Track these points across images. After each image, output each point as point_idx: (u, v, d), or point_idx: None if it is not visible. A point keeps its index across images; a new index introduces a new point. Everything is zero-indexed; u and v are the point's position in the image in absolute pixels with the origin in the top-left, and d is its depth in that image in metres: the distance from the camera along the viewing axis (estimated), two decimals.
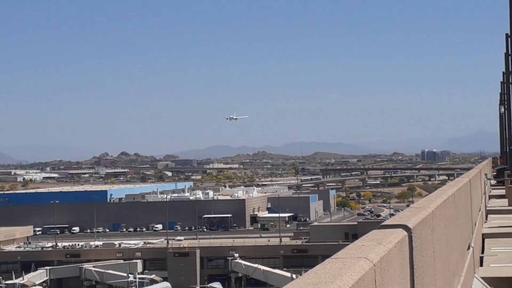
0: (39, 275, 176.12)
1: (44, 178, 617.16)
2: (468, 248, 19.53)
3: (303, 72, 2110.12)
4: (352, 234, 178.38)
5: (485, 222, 32.09)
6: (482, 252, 24.16)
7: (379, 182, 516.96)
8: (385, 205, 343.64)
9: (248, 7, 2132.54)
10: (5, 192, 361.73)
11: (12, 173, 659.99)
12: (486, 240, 26.69)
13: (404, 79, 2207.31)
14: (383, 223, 8.93)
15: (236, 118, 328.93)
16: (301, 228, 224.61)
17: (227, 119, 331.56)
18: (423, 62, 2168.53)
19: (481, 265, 22.09)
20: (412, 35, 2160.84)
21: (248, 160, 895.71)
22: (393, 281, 7.19)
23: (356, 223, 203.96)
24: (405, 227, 8.71)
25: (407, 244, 8.53)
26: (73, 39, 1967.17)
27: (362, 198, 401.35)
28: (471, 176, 24.67)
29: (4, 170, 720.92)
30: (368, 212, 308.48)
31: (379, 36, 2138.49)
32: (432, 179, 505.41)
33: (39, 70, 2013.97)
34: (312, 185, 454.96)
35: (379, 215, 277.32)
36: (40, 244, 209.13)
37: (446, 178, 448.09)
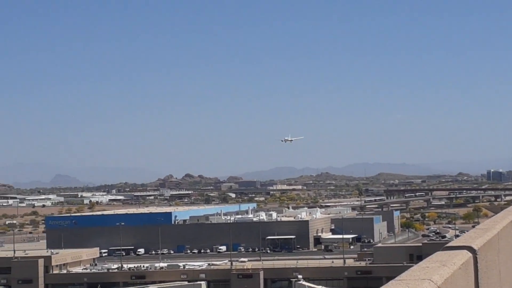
0: None
1: (110, 200, 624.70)
2: None
3: (367, 92, 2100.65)
4: (416, 255, 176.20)
5: None
6: None
7: (444, 203, 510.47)
8: (450, 226, 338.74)
9: (311, 32, 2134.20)
10: (72, 214, 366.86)
11: (79, 196, 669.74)
12: None
13: (469, 99, 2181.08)
14: (448, 245, 8.92)
15: (292, 140, 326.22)
16: (365, 249, 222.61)
17: (282, 141, 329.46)
18: (488, 80, 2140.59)
19: None
20: (475, 56, 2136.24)
21: (311, 181, 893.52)
22: None
23: (420, 244, 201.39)
24: (470, 249, 8.68)
25: (472, 266, 8.51)
26: (130, 60, 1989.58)
27: (426, 219, 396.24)
28: None
29: (71, 193, 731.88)
30: (433, 233, 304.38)
31: (441, 57, 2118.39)
32: (498, 200, 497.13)
33: (102, 94, 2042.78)
34: (376, 206, 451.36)
35: (444, 236, 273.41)
36: (106, 265, 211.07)
37: None
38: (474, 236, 10.10)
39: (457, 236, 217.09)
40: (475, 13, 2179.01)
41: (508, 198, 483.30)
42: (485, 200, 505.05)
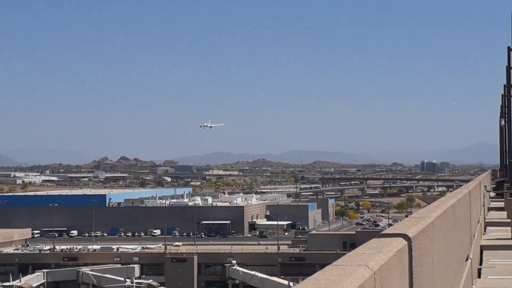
0: (36, 278, 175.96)
1: (43, 181, 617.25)
2: (467, 260, 19.55)
3: (304, 80, 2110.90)
4: (350, 243, 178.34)
5: (484, 234, 32.11)
6: (480, 264, 24.17)
7: (378, 192, 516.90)
8: (383, 215, 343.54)
9: (254, 15, 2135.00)
10: (4, 194, 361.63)
11: (12, 176, 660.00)
12: (484, 252, 26.71)
13: (404, 90, 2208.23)
14: (383, 232, 8.97)
15: (211, 126, 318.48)
16: (299, 236, 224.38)
17: (201, 126, 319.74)
18: (424, 73, 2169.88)
19: (479, 276, 22.10)
20: (412, 47, 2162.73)
21: (247, 168, 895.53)
22: None
23: (354, 232, 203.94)
24: (405, 237, 8.75)
25: (407, 254, 8.57)
26: (75, 42, 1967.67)
27: (360, 207, 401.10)
28: (471, 188, 24.71)
29: (3, 172, 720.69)
30: (367, 222, 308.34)
31: (379, 48, 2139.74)
32: (431, 190, 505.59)
33: (40, 73, 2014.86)
34: (311, 193, 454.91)
35: (377, 225, 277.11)
36: (38, 247, 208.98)
37: (445, 189, 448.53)
38: (409, 224, 10.19)
39: (390, 225, 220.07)
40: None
41: (440, 189, 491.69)
42: (418, 190, 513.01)
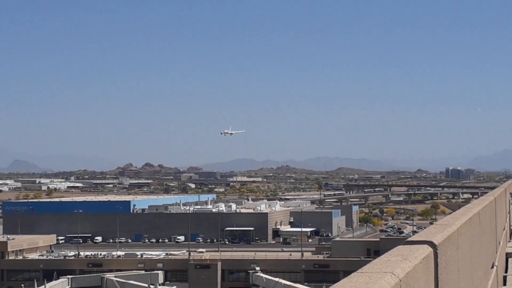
0: (61, 284, 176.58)
1: (68, 187, 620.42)
2: (492, 267, 19.43)
3: (331, 88, 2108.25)
4: (374, 250, 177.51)
5: (509, 241, 31.88)
6: (506, 272, 24.01)
7: (402, 199, 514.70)
8: (408, 222, 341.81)
9: (279, 21, 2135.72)
10: (30, 200, 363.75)
11: (37, 182, 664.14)
12: (510, 259, 26.52)
13: (430, 97, 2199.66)
14: (409, 239, 8.94)
15: (232, 133, 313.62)
16: (323, 243, 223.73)
17: (221, 133, 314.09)
18: (451, 80, 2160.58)
19: (504, 284, 21.95)
20: (437, 54, 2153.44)
21: (271, 174, 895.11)
22: None
23: (378, 239, 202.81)
24: (430, 244, 8.71)
25: (433, 261, 8.54)
26: (104, 50, 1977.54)
27: (385, 214, 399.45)
28: (496, 195, 24.55)
29: (29, 179, 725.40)
30: (391, 229, 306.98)
31: (404, 55, 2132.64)
32: (456, 197, 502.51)
33: (65, 80, 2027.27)
34: (335, 200, 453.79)
35: (401, 232, 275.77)
36: (63, 253, 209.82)
37: (470, 196, 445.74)
38: (435, 231, 10.15)
39: (414, 232, 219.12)
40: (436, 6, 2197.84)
41: (465, 196, 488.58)
42: (443, 197, 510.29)
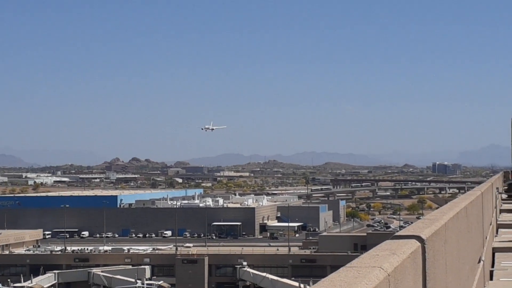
0: (47, 279, 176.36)
1: (55, 182, 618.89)
2: (479, 262, 19.50)
3: (316, 82, 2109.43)
4: (361, 245, 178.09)
5: (496, 236, 32.00)
6: (492, 266, 24.10)
7: (389, 193, 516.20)
8: (394, 216, 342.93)
9: (267, 15, 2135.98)
10: (16, 195, 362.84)
11: (23, 176, 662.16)
12: (496, 254, 26.61)
13: (416, 92, 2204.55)
14: (397, 234, 8.96)
15: (213, 129, 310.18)
16: (310, 238, 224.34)
17: (202, 129, 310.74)
18: (436, 75, 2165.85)
19: (491, 279, 22.04)
20: (423, 49, 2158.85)
21: (258, 169, 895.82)
22: None
23: (365, 234, 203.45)
24: (418, 238, 8.74)
25: (421, 255, 8.56)
26: (87, 43, 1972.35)
27: (372, 209, 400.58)
28: (483, 190, 24.65)
29: (15, 173, 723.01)
30: (378, 224, 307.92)
31: (392, 49, 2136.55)
32: (442, 192, 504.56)
33: (51, 74, 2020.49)
34: (322, 195, 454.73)
35: (388, 227, 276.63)
36: (49, 247, 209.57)
37: (457, 191, 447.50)
38: (422, 226, 10.18)
39: (401, 227, 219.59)
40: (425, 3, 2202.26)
41: (452, 190, 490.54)
42: (429, 192, 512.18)
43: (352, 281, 5.70)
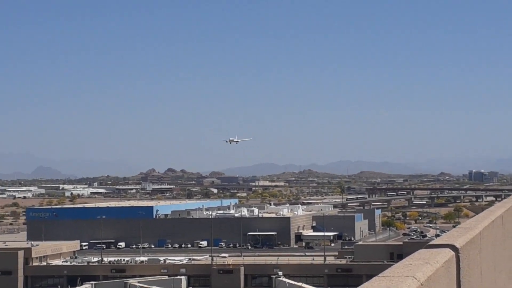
0: None
1: (91, 193, 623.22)
2: None
3: (351, 91, 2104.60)
4: (397, 254, 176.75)
5: None
6: None
7: (425, 202, 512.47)
8: (431, 225, 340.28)
9: (301, 23, 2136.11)
10: (53, 206, 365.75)
11: (60, 188, 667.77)
12: None
13: (453, 99, 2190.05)
14: (431, 243, 8.93)
15: (237, 141, 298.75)
16: (346, 247, 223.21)
17: (226, 141, 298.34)
18: (472, 82, 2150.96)
19: None
20: (459, 55, 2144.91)
21: (293, 178, 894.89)
22: None
23: (401, 243, 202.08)
24: (452, 247, 8.69)
25: (455, 264, 8.52)
26: (125, 55, 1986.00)
27: (408, 218, 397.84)
28: None
29: (52, 185, 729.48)
30: (414, 232, 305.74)
31: (429, 57, 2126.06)
32: (479, 200, 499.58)
33: (88, 86, 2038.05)
34: (358, 204, 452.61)
35: (424, 235, 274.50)
36: (86, 258, 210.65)
37: (494, 199, 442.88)
38: (457, 235, 10.12)
39: (437, 235, 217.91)
40: (472, 9, 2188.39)
41: (489, 198, 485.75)
42: (466, 200, 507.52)
43: None
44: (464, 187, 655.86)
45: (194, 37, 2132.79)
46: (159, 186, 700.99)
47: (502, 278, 15.27)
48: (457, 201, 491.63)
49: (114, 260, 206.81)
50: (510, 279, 17.47)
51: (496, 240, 14.35)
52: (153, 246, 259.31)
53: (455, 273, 8.53)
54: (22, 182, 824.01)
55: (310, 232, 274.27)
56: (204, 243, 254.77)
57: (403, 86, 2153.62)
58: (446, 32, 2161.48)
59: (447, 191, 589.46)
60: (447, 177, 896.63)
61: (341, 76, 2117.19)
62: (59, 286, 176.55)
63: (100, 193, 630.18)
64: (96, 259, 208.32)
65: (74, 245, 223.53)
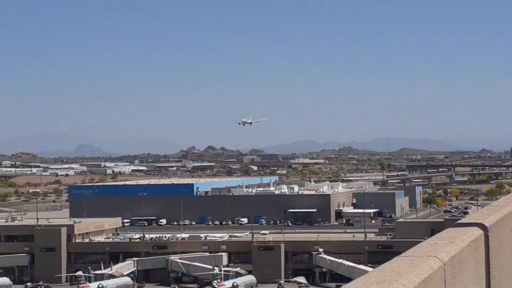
0: (127, 266, 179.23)
1: (132, 170, 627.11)
2: None
3: (392, 68, 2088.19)
4: (438, 231, 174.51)
5: None
6: None
7: (466, 179, 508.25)
8: (472, 202, 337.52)
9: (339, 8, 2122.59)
10: (95, 184, 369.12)
11: (102, 166, 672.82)
12: None
13: (493, 75, 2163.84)
14: (459, 221, 8.88)
15: (251, 123, 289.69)
16: (387, 224, 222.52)
17: (239, 123, 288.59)
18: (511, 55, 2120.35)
19: None
20: (499, 30, 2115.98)
21: (333, 155, 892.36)
22: (466, 281, 7.16)
23: (442, 220, 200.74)
24: (481, 226, 8.63)
25: (483, 243, 8.46)
26: (166, 36, 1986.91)
27: (448, 195, 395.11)
28: None
29: (94, 163, 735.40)
30: (455, 209, 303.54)
31: (470, 33, 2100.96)
32: None
33: (128, 66, 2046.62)
34: (398, 181, 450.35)
35: (466, 212, 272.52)
36: (128, 235, 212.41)
37: None
38: (487, 213, 10.04)
39: None
40: None
41: None
42: (508, 177, 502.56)
43: (403, 271, 5.72)
44: (506, 163, 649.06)
45: (229, 30, 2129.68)
46: (199, 164, 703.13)
47: None
48: (499, 178, 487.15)
49: (156, 237, 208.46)
50: None
51: None
52: (193, 223, 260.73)
53: (483, 253, 8.50)
54: (64, 160, 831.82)
55: (350, 209, 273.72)
56: (245, 220, 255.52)
57: (444, 63, 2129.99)
58: (489, 12, 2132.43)
59: (488, 167, 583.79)
60: (488, 154, 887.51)
61: (382, 54, 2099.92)
62: (101, 262, 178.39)
63: (141, 170, 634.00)
64: (137, 235, 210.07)
65: (116, 222, 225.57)
